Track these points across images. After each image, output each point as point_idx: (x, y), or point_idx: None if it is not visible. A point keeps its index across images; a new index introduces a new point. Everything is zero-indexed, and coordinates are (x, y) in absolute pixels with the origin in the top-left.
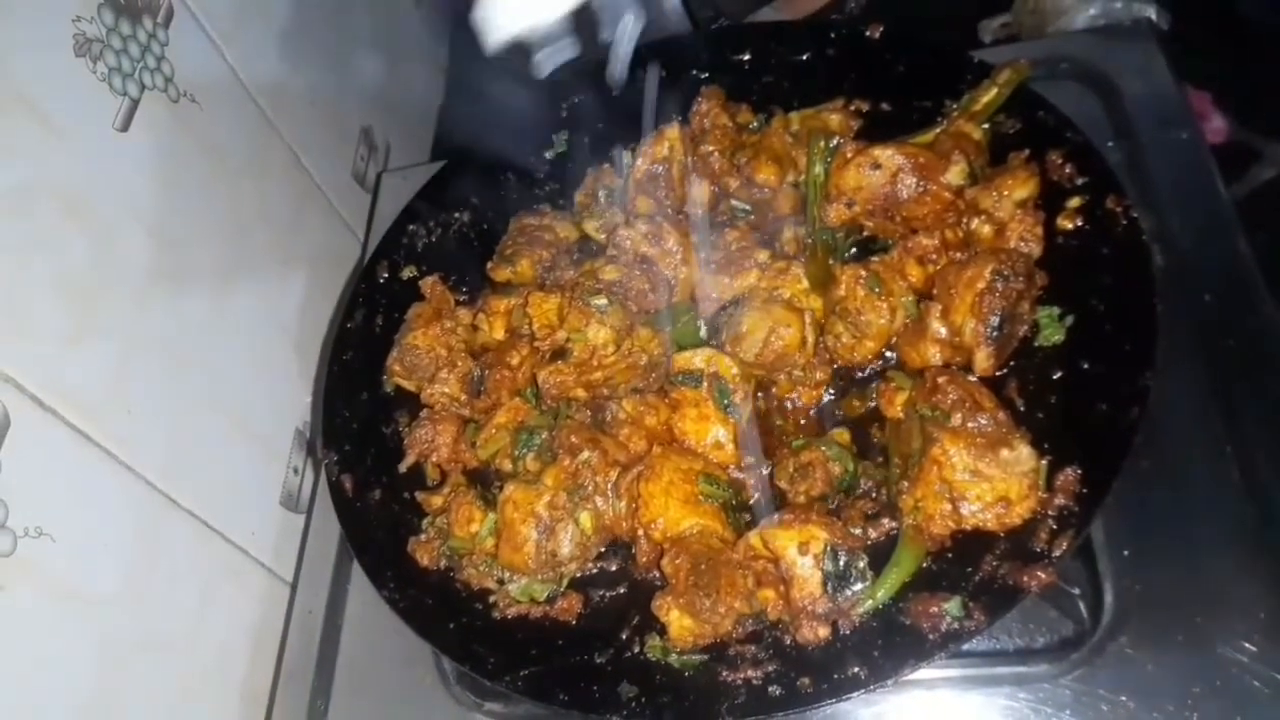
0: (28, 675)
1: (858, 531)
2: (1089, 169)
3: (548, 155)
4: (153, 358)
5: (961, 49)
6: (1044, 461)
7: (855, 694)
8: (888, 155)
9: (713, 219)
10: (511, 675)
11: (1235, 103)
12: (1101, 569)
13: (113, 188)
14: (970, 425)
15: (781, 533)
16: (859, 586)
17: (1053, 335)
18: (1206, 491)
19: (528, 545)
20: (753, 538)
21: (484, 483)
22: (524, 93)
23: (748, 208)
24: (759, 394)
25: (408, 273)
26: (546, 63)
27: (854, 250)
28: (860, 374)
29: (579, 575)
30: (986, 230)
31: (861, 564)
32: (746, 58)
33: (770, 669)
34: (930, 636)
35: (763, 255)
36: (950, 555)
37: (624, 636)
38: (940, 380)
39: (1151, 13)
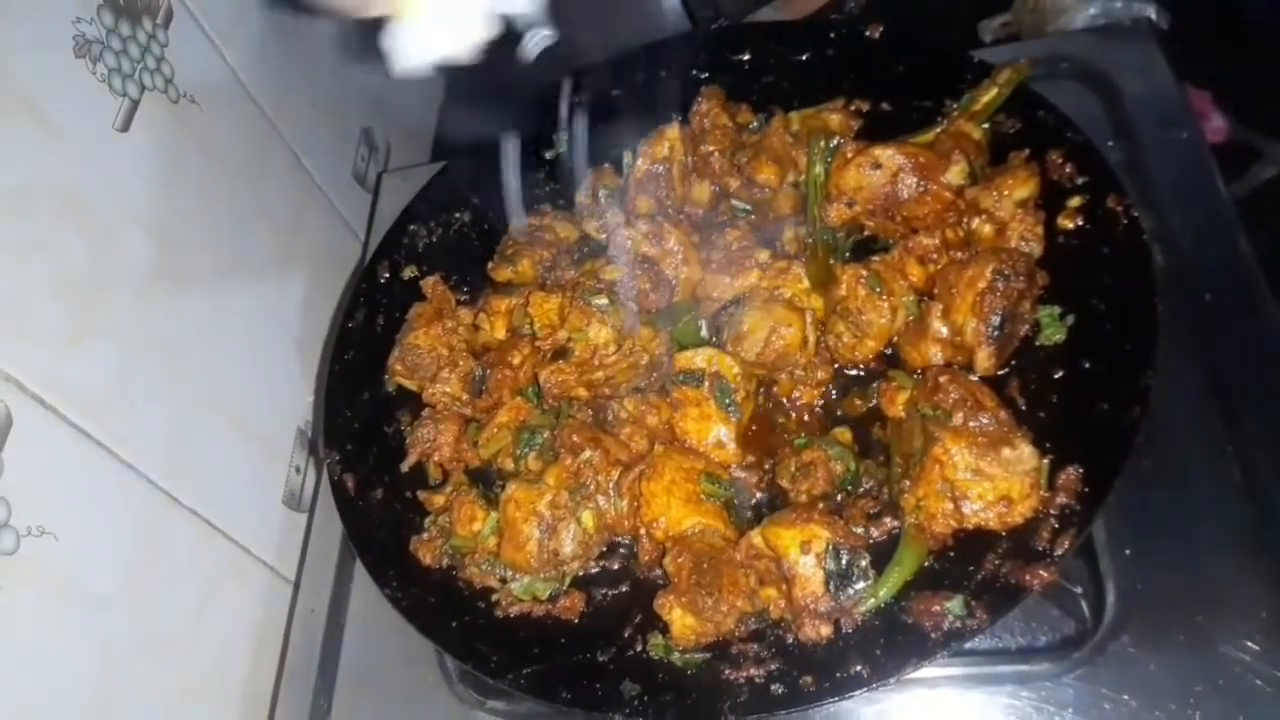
0: (29, 674)
1: (860, 530)
2: (1089, 168)
3: (548, 155)
4: (154, 357)
5: (961, 48)
6: (1045, 460)
7: (857, 692)
8: (888, 155)
9: (713, 219)
10: (514, 673)
11: (1235, 102)
12: (1103, 568)
13: (113, 188)
14: (972, 424)
15: (784, 531)
16: (861, 585)
17: (1054, 334)
18: (1208, 491)
19: (530, 544)
20: (755, 536)
21: (486, 482)
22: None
23: (748, 208)
24: (760, 393)
25: (409, 272)
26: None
27: (855, 250)
28: (861, 373)
29: (581, 574)
30: (987, 230)
31: (864, 563)
32: (746, 58)
33: (773, 667)
34: (932, 635)
35: (763, 255)
36: (952, 554)
37: (626, 635)
38: (942, 379)
39: (1151, 12)
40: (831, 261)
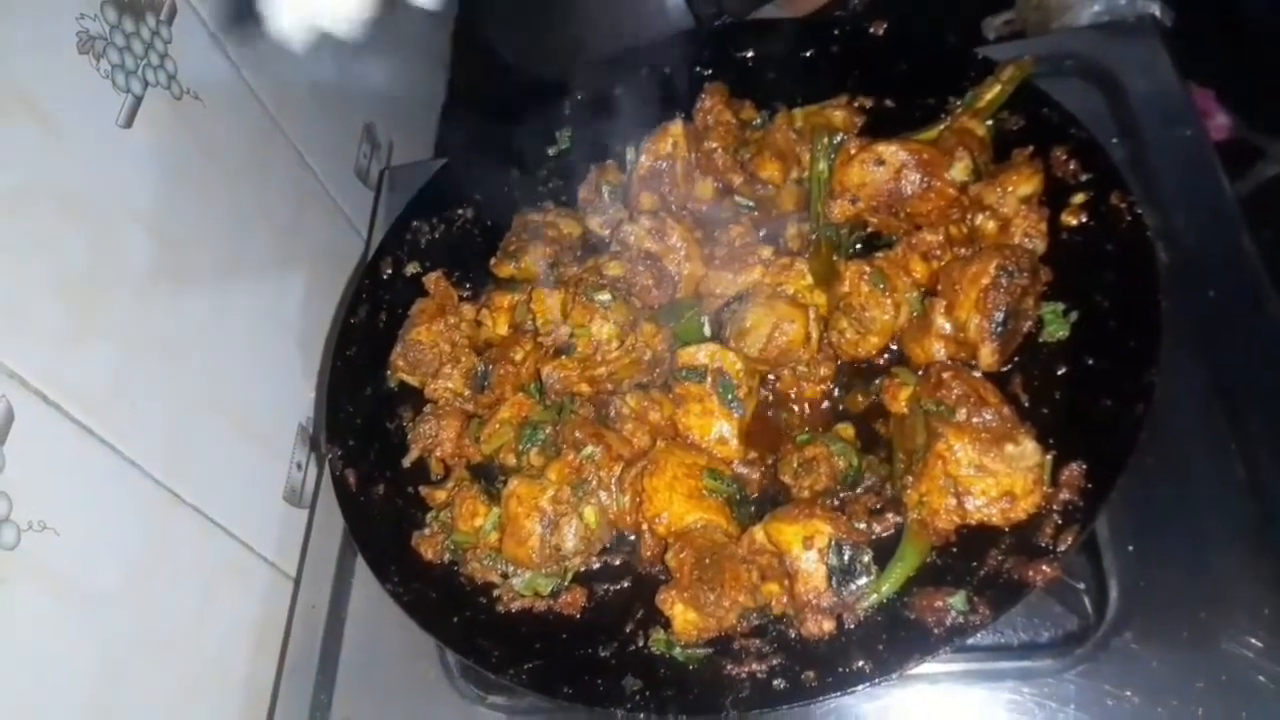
0: (30, 669)
1: (862, 526)
2: (1093, 165)
3: (550, 152)
4: (155, 354)
5: (965, 45)
6: (1049, 456)
7: (859, 687)
8: (892, 151)
9: (716, 215)
10: (516, 669)
11: (1239, 100)
12: (1106, 564)
13: (115, 185)
14: (975, 420)
15: (786, 527)
16: (863, 581)
17: (1057, 331)
18: (1210, 488)
19: (532, 539)
20: (757, 532)
21: (488, 477)
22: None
23: (751, 204)
24: (763, 389)
25: (411, 269)
26: None
27: (858, 246)
28: (864, 369)
29: (583, 569)
30: (991, 226)
31: (866, 558)
32: (750, 54)
33: (774, 662)
34: (935, 631)
35: (766, 251)
36: (955, 550)
37: (628, 630)
38: (945, 375)
39: (1155, 9)
40: (835, 258)
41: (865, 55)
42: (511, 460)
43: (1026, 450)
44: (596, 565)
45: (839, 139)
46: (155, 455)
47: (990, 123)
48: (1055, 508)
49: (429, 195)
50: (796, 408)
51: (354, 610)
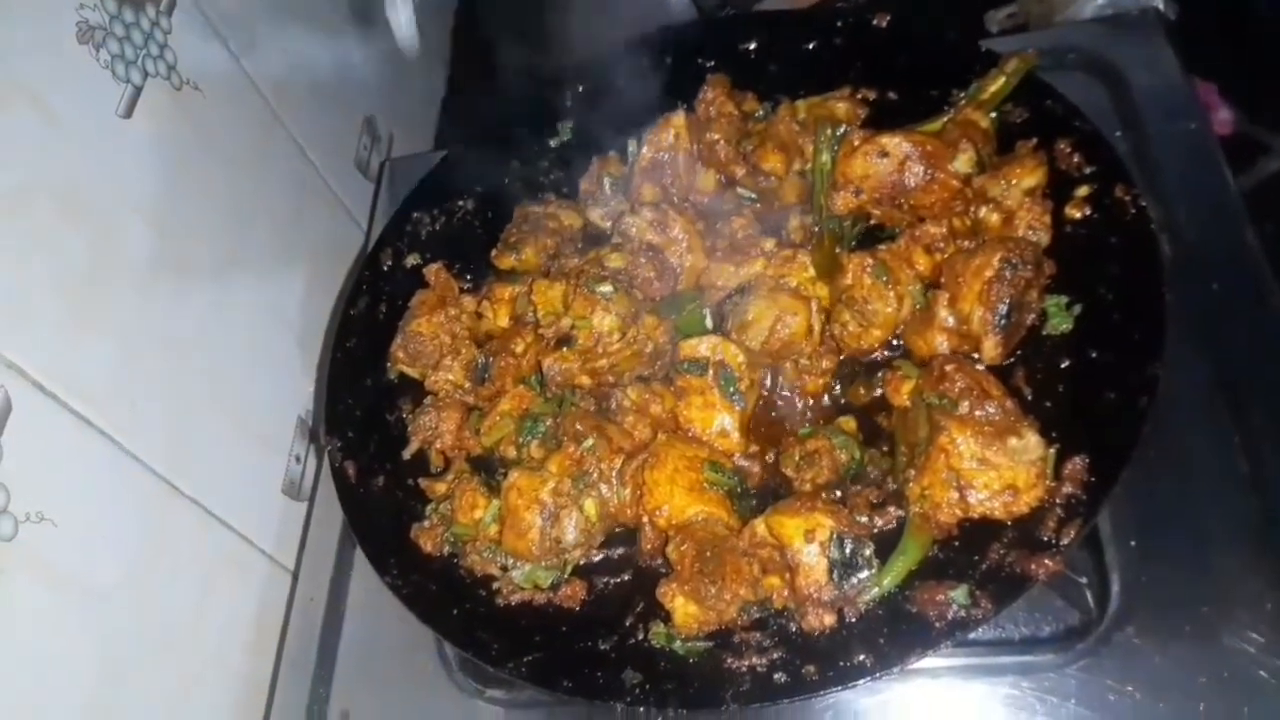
0: (28, 661)
1: (864, 519)
2: (1097, 158)
3: (552, 143)
4: (155, 346)
5: (969, 37)
6: (1051, 450)
7: (860, 682)
8: (895, 143)
9: (718, 207)
10: (515, 662)
11: (1242, 95)
12: (1108, 559)
13: (116, 175)
14: (978, 413)
15: (788, 520)
16: (865, 574)
17: (1061, 324)
18: (1213, 482)
19: (532, 532)
20: (758, 525)
21: (488, 470)
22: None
23: (753, 196)
24: (765, 382)
25: (411, 260)
26: None
27: (861, 239)
28: (866, 362)
29: (583, 562)
30: (994, 219)
31: (868, 552)
32: (752, 46)
33: (775, 656)
34: (936, 625)
35: (769, 244)
36: (957, 543)
37: (628, 623)
38: (948, 368)
39: (1159, 3)
40: (837, 250)
41: (868, 47)
42: (512, 453)
43: (1029, 444)
44: (597, 558)
45: (842, 131)
46: (154, 447)
47: (994, 115)
48: (1058, 501)
49: (429, 187)
50: (798, 401)
51: (353, 603)
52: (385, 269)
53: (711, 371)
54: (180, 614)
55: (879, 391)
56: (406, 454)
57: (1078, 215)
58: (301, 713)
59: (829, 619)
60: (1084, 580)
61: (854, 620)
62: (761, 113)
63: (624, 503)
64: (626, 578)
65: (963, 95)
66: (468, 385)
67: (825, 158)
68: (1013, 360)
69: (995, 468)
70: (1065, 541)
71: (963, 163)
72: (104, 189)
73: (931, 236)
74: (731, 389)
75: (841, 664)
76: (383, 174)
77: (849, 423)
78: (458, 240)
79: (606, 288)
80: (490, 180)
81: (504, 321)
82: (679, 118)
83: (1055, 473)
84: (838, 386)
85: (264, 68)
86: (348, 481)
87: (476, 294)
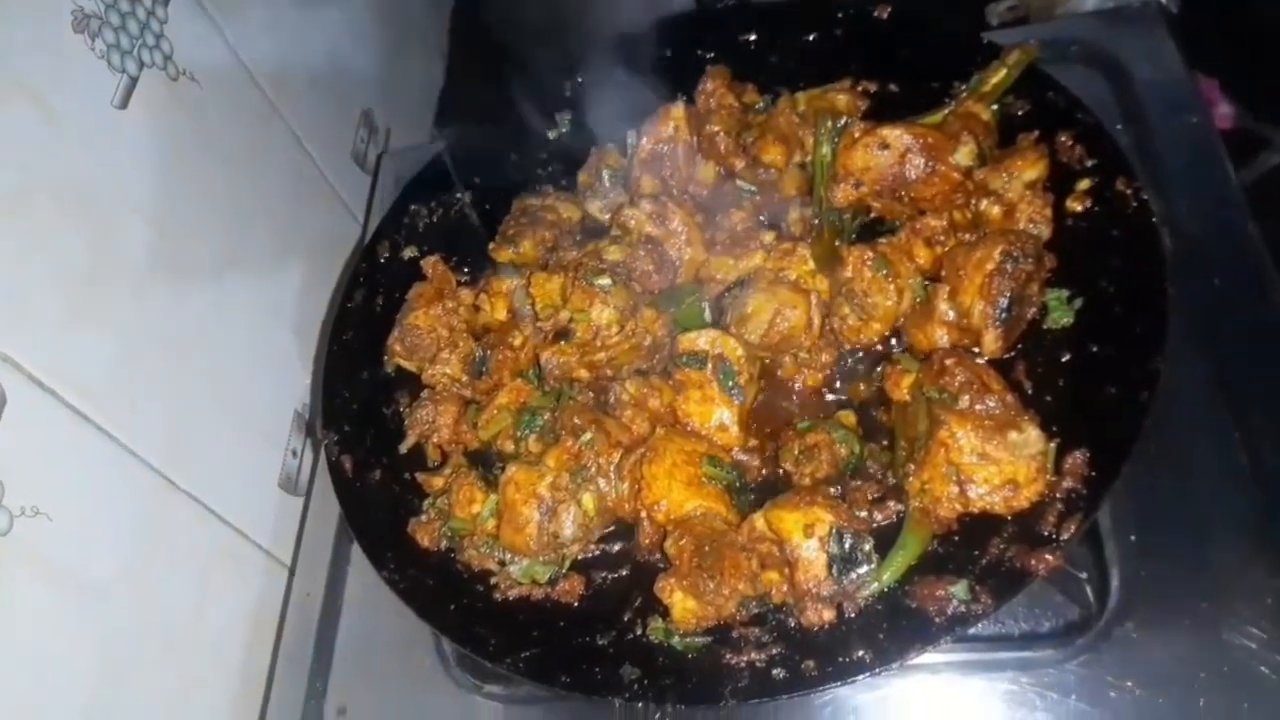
0: (24, 656)
1: (863, 514)
2: (1099, 150)
3: (550, 135)
4: (151, 340)
5: (970, 29)
6: (1052, 444)
7: (860, 677)
8: (896, 135)
9: (718, 200)
10: (512, 657)
11: (1243, 90)
12: (1108, 554)
13: (111, 166)
14: (978, 407)
15: (787, 515)
16: (864, 569)
17: (1061, 318)
18: (1213, 477)
19: (530, 526)
20: (757, 520)
21: (485, 464)
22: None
23: (753, 188)
24: (763, 376)
25: (409, 253)
26: None
27: (861, 231)
28: (866, 356)
29: (581, 557)
30: (995, 211)
31: (867, 547)
32: (753, 38)
33: (774, 652)
34: (936, 620)
35: (768, 236)
36: (957, 538)
37: (626, 618)
38: (948, 362)
39: None
40: (837, 243)
41: (869, 39)
42: (509, 446)
43: (1030, 438)
44: (595, 553)
45: (842, 123)
46: (150, 441)
47: (995, 107)
48: (1058, 496)
49: (427, 179)
50: (797, 395)
51: (349, 598)
52: (382, 261)
53: (710, 365)
54: (177, 609)
55: (879, 385)
56: (403, 448)
57: (1079, 208)
58: (299, 708)
59: (828, 614)
60: (1084, 575)
61: (853, 615)
62: (761, 104)
63: (622, 497)
64: (625, 573)
65: (964, 87)
66: (465, 379)
67: (825, 150)
68: (1013, 354)
69: (995, 462)
70: (1066, 536)
71: (964, 155)
72: (100, 182)
73: (932, 229)
74: (730, 383)
75: (841, 659)
76: (380, 166)
77: (848, 417)
78: (455, 233)
79: (605, 280)
80: (488, 172)
81: (502, 314)
82: (678, 109)
83: (1056, 467)
84: (838, 381)
85: (261, 59)
86: (344, 476)
87: (474, 287)
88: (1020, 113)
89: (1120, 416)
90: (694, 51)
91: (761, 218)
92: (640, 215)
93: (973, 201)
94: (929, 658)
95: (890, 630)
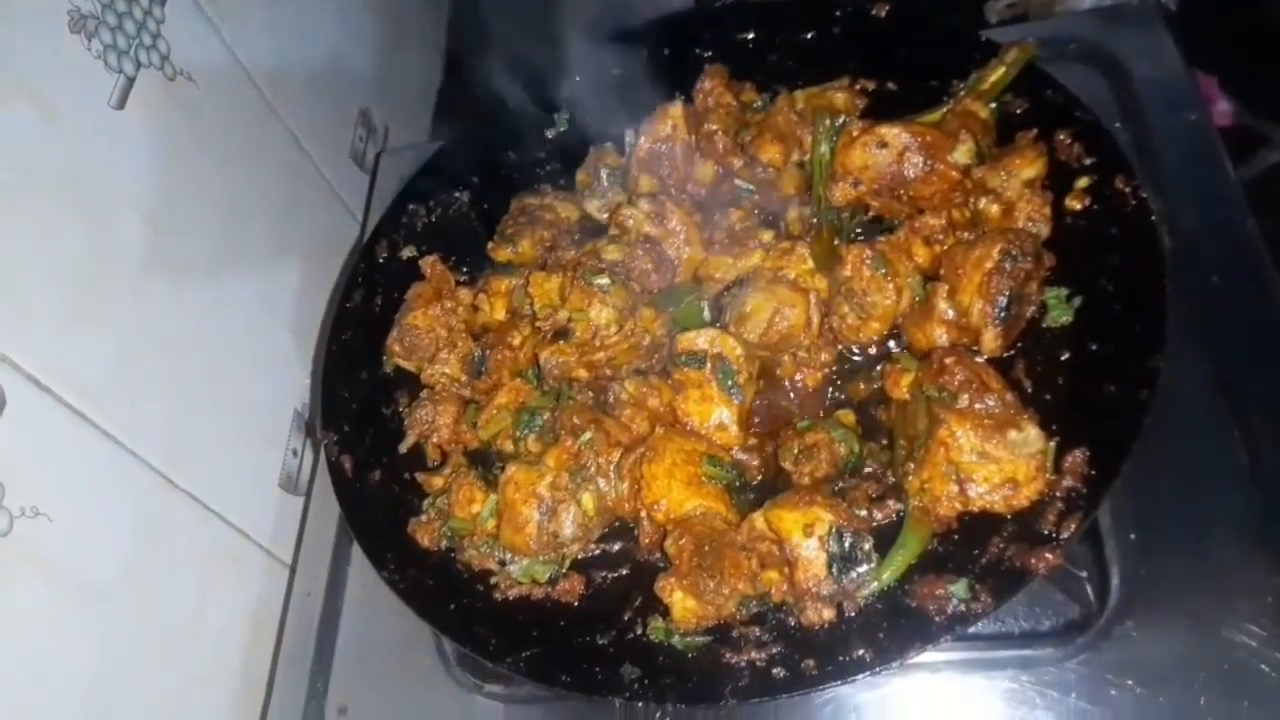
0: (26, 655)
1: (863, 513)
2: (1098, 148)
3: (549, 134)
4: (150, 340)
5: (969, 27)
6: (1052, 443)
7: (860, 676)
8: (894, 134)
9: (716, 199)
10: (513, 657)
11: (1242, 87)
12: (1108, 552)
13: (108, 166)
14: (977, 406)
15: (786, 514)
16: (864, 568)
17: (1061, 316)
18: (1213, 475)
19: (529, 526)
20: (757, 519)
21: (485, 464)
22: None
23: (752, 187)
24: (762, 376)
25: (407, 252)
26: None
27: (860, 230)
28: (865, 355)
29: (581, 556)
30: (994, 210)
31: (867, 546)
32: (751, 36)
33: (774, 651)
34: (936, 619)
35: (767, 235)
36: (956, 537)
37: (626, 618)
38: (947, 361)
39: None
40: (836, 242)
41: (868, 37)
42: (509, 446)
43: (1029, 437)
44: (595, 552)
45: (841, 121)
46: (149, 441)
47: (994, 105)
48: (1058, 495)
49: (425, 178)
50: (797, 394)
51: (350, 598)
52: (381, 261)
53: (709, 364)
54: (178, 609)
55: (878, 385)
56: (403, 448)
57: (1078, 206)
58: (299, 708)
59: (828, 613)
60: (1084, 574)
61: (853, 615)
62: (760, 103)
63: (622, 497)
64: (625, 572)
65: (962, 86)
66: (464, 378)
67: (824, 149)
68: (1012, 353)
69: (995, 461)
70: (1065, 535)
71: (962, 154)
72: (99, 182)
73: (931, 228)
74: (729, 382)
75: (841, 659)
76: (378, 165)
77: (848, 416)
78: (454, 232)
79: (604, 280)
80: (486, 172)
81: (501, 314)
82: (677, 108)
83: (1055, 466)
84: (837, 380)
85: (259, 58)
86: (344, 476)
87: (473, 286)
88: (1019, 111)
89: (1120, 415)
90: (692, 50)
91: (760, 217)
92: (639, 214)
93: (971, 200)
94: (929, 656)
95: (890, 629)
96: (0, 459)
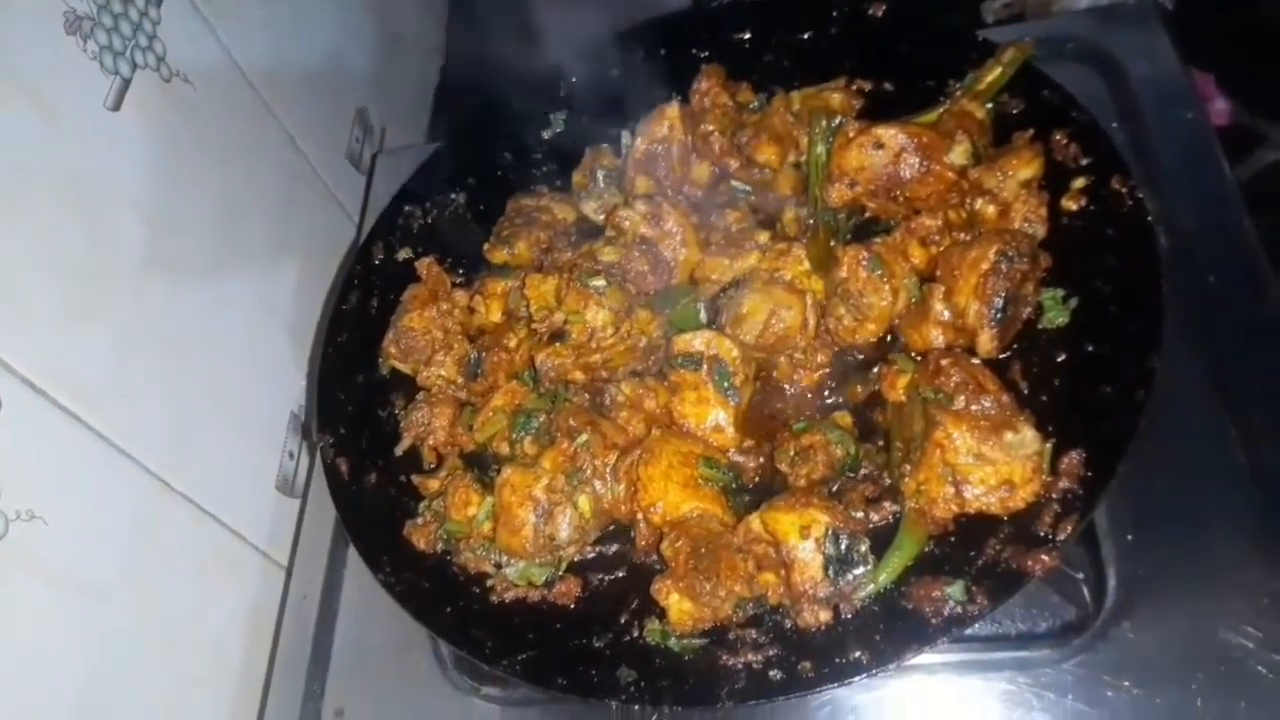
0: (25, 657)
1: (859, 515)
2: (1094, 149)
3: (545, 135)
4: (146, 342)
5: (965, 27)
6: (1048, 444)
7: (856, 678)
8: (890, 134)
9: (713, 200)
10: (509, 659)
11: (1239, 85)
12: (1105, 553)
13: (104, 167)
14: (974, 408)
15: (783, 516)
16: (860, 570)
17: (1057, 317)
18: (1210, 475)
19: (526, 529)
20: (753, 521)
21: (481, 466)
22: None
23: (748, 188)
24: (759, 377)
25: (403, 254)
26: None
27: (856, 231)
28: (862, 356)
29: (577, 559)
30: (990, 211)
31: (863, 547)
32: (747, 36)
33: (771, 653)
34: (932, 621)
35: (763, 236)
36: (953, 539)
37: (623, 620)
38: (943, 362)
39: None
40: (832, 243)
41: (864, 37)
42: (505, 449)
43: (1025, 438)
44: (591, 555)
45: (837, 122)
46: (145, 443)
47: (990, 106)
48: (1054, 496)
49: (422, 180)
50: (793, 396)
51: (346, 601)
52: (377, 263)
53: (706, 366)
54: (175, 611)
55: (875, 386)
56: (399, 450)
57: (1074, 207)
58: (296, 710)
59: (824, 615)
60: (1080, 575)
61: (850, 616)
62: (756, 104)
63: (618, 499)
64: (621, 574)
65: (959, 86)
66: (460, 381)
67: (820, 149)
68: (1009, 354)
69: (991, 462)
70: (1062, 537)
71: (958, 154)
72: (96, 183)
73: (927, 229)
74: (726, 384)
75: (837, 661)
76: (375, 166)
77: (844, 417)
78: (450, 234)
79: (600, 282)
80: (483, 173)
81: (496, 316)
82: (673, 109)
83: (1052, 467)
84: (833, 381)
85: (255, 59)
86: (340, 478)
87: (469, 288)
88: (1015, 111)
89: (1116, 416)
90: (688, 50)
91: (756, 218)
92: (635, 216)
93: (967, 201)
94: (926, 658)
95: (887, 631)
96: None
